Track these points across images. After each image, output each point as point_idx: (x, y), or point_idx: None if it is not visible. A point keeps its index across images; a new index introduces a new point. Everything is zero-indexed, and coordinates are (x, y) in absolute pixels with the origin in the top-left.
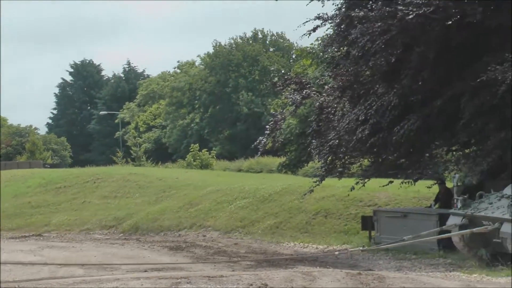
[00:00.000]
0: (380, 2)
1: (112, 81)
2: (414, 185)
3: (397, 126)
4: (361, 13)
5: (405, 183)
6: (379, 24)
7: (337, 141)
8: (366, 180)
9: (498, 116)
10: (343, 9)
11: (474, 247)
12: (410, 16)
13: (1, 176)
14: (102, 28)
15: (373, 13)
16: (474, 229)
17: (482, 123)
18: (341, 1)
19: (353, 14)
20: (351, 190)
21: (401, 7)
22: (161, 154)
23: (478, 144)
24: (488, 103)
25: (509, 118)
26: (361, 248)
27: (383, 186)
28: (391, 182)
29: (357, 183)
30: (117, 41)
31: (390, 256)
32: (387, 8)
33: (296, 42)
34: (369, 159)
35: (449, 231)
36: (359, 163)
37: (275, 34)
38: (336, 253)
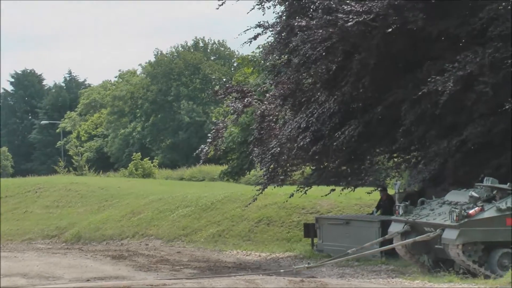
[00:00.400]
0: (320, 10)
1: (53, 90)
2: (354, 191)
3: (338, 132)
4: (303, 23)
5: (346, 189)
6: (319, 32)
7: (278, 149)
8: (307, 188)
9: (438, 123)
10: (284, 17)
11: (416, 253)
12: (350, 24)
13: None
14: (43, 37)
15: (314, 22)
16: (417, 238)
17: (422, 131)
18: (282, 9)
19: (295, 24)
20: (290, 197)
21: (341, 15)
22: (103, 163)
23: (419, 151)
24: (429, 111)
25: (449, 125)
26: (306, 265)
27: (325, 195)
28: (333, 190)
29: (297, 190)
30: (58, 50)
31: (332, 263)
32: (328, 17)
33: (237, 50)
34: (311, 167)
35: (391, 240)
36: (301, 171)
37: (216, 43)
38: (282, 271)
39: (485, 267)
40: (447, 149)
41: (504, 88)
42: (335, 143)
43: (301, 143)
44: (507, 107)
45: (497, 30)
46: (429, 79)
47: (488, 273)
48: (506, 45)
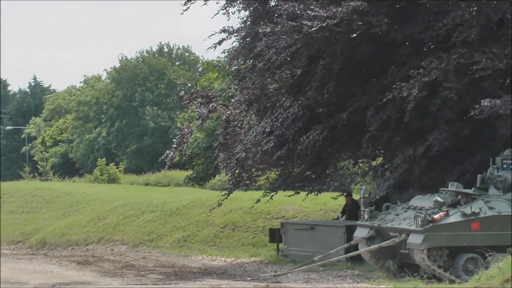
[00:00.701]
0: (285, 16)
1: (18, 96)
2: (317, 195)
3: (302, 137)
4: (267, 29)
5: (311, 194)
6: (284, 37)
7: (244, 154)
8: (273, 193)
9: (404, 129)
10: (249, 23)
11: (381, 258)
12: (314, 29)
13: None
14: (4, 41)
15: (278, 28)
16: (382, 243)
17: (388, 137)
18: (246, 14)
19: (259, 30)
20: (256, 203)
21: (306, 22)
22: (68, 168)
23: (385, 157)
24: (394, 117)
25: (415, 131)
26: (272, 273)
27: (289, 196)
28: (297, 193)
29: (264, 195)
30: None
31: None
32: (292, 23)
33: (202, 56)
34: (276, 172)
35: (357, 246)
36: (266, 176)
37: (181, 48)
38: (248, 279)
39: (450, 272)
40: (413, 156)
41: (469, 93)
42: (299, 148)
43: (265, 147)
44: (472, 113)
45: (462, 36)
46: (394, 86)
47: (453, 278)
48: (471, 50)
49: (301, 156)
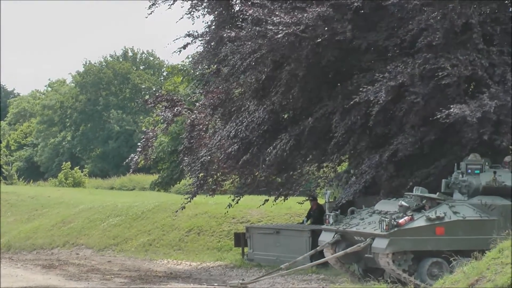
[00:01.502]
0: (249, 21)
1: None
2: (284, 201)
3: (268, 143)
4: (232, 34)
5: (277, 200)
6: (249, 43)
7: (208, 157)
8: (239, 198)
9: (369, 134)
10: (213, 27)
11: (346, 262)
12: (280, 35)
13: None
14: None
15: (243, 33)
16: (348, 249)
17: (354, 142)
18: (211, 18)
19: (224, 35)
20: (229, 207)
21: (271, 27)
22: (33, 172)
23: (350, 162)
24: (359, 122)
25: (380, 136)
26: (240, 281)
27: (258, 206)
28: (266, 200)
29: (233, 200)
30: None
31: (264, 272)
32: (257, 28)
33: (166, 60)
34: (241, 177)
35: (322, 253)
36: (231, 180)
37: (146, 52)
38: (215, 284)
39: (415, 276)
40: (379, 162)
41: (434, 98)
42: (267, 158)
43: (229, 150)
44: (439, 116)
45: (426, 40)
46: (360, 89)
47: (418, 282)
48: (436, 56)
49: (267, 162)
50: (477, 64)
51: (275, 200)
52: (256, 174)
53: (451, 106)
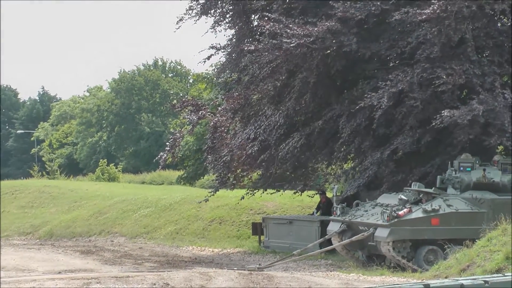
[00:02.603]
0: (266, 34)
1: (28, 103)
2: (301, 195)
3: (282, 143)
4: (251, 47)
5: (292, 193)
6: (266, 54)
7: (229, 156)
8: (255, 191)
9: (372, 135)
10: (234, 40)
11: (351, 249)
12: (293, 45)
13: None
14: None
15: (261, 46)
16: (353, 237)
17: (358, 142)
18: (232, 32)
19: (244, 48)
20: (241, 199)
21: (285, 40)
22: (73, 168)
23: (355, 159)
24: (363, 124)
25: (382, 136)
26: (257, 266)
27: (272, 193)
28: (278, 190)
29: (247, 193)
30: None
31: (278, 257)
32: (273, 41)
33: (193, 69)
34: (258, 173)
35: (330, 241)
36: (249, 176)
37: (174, 62)
38: (235, 268)
39: (413, 262)
40: (380, 159)
41: (431, 104)
42: (280, 154)
43: (250, 151)
44: (433, 123)
45: (425, 53)
46: (365, 95)
47: (415, 267)
48: (433, 66)
49: (282, 159)
50: (470, 73)
51: (294, 193)
52: (271, 171)
53: (443, 111)
